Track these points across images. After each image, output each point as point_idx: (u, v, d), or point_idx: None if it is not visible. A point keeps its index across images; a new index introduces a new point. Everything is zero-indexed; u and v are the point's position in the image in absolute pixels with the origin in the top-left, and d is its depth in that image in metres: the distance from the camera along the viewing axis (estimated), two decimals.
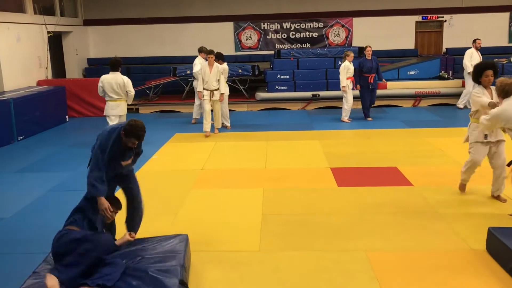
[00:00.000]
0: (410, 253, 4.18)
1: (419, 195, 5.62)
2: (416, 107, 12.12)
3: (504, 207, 5.02)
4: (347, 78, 10.04)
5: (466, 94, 11.30)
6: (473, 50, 11.31)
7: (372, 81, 10.12)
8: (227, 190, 6.06)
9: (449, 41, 15.34)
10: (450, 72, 13.33)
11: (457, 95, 12.08)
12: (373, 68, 10.07)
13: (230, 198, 5.76)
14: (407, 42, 15.42)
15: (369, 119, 10.35)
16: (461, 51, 14.56)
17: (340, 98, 11.79)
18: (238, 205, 5.50)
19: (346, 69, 10.01)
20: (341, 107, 10.67)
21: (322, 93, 12.20)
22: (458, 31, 15.09)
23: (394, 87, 11.75)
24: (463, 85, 12.09)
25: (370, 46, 10.15)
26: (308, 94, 12.22)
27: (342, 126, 9.95)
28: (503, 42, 15.13)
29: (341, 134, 9.17)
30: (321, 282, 3.77)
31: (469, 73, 11.20)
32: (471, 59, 11.19)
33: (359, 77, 10.16)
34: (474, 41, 11.47)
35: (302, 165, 7.06)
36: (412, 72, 12.63)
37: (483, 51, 14.33)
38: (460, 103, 11.58)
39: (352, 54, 10.22)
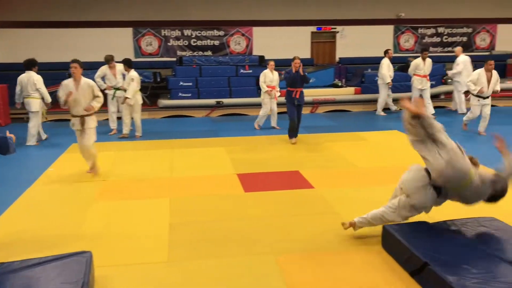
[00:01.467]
0: (315, 253, 4.36)
1: (320, 197, 5.90)
2: (314, 113, 12.73)
3: None
4: (268, 87, 10.04)
5: (382, 102, 12.24)
6: (388, 60, 12.07)
7: (298, 96, 8.82)
8: (131, 201, 5.87)
9: (341, 51, 16.32)
10: (343, 80, 14.20)
11: (350, 102, 12.92)
12: (298, 82, 8.81)
13: (135, 209, 5.58)
14: (304, 51, 16.11)
15: (293, 141, 8.90)
16: (352, 61, 15.67)
17: (243, 106, 12.06)
18: (144, 216, 5.35)
19: (264, 76, 10.07)
20: (245, 114, 10.85)
21: (226, 101, 12.34)
22: (349, 42, 16.13)
23: None
24: (356, 93, 12.97)
25: (298, 58, 8.86)
26: (212, 101, 12.29)
27: (246, 132, 10.11)
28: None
29: (245, 140, 9.32)
30: None
31: (387, 83, 11.99)
32: (388, 69, 12.02)
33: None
34: (387, 51, 12.26)
35: (209, 172, 7.07)
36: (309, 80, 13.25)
37: (370, 61, 15.56)
38: (379, 111, 12.34)
39: (272, 63, 10.12)
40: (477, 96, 9.39)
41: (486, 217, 4.54)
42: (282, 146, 8.73)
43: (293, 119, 8.84)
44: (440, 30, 16.74)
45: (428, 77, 11.80)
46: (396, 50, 16.52)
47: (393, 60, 12.62)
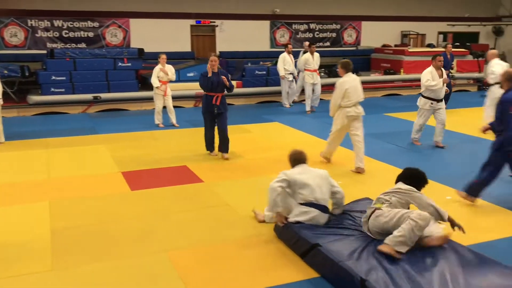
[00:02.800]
0: (207, 246, 4.40)
1: (210, 190, 5.95)
2: (197, 107, 12.70)
3: None
4: (159, 81, 9.57)
5: (287, 94, 12.42)
6: (285, 54, 12.15)
7: (218, 103, 7.23)
8: (4, 208, 5.35)
9: (222, 45, 16.48)
10: None
11: (233, 96, 13.11)
12: (218, 85, 7.19)
13: (9, 216, 5.11)
14: (184, 45, 15.99)
15: (225, 156, 7.41)
16: (233, 54, 15.92)
17: (123, 100, 11.64)
18: (21, 223, 4.93)
19: (156, 72, 9.61)
20: (125, 110, 10.46)
21: (104, 95, 11.76)
22: (229, 36, 16.36)
23: (176, 88, 12.01)
24: (237, 86, 13.18)
25: (215, 55, 7.31)
26: (89, 96, 11.63)
27: (127, 129, 9.71)
28: (266, 47, 17.05)
29: (127, 137, 8.97)
30: None
31: (281, 76, 12.12)
32: (284, 62, 12.10)
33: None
34: (286, 45, 12.38)
35: (90, 172, 6.71)
36: (191, 74, 13.15)
37: (249, 55, 15.98)
38: (286, 103, 12.49)
39: (164, 56, 9.63)
40: (429, 98, 7.86)
41: (361, 198, 5.02)
42: (167, 141, 8.60)
43: (208, 130, 7.50)
44: (312, 26, 17.75)
45: (317, 71, 12.00)
46: (273, 45, 17.15)
47: (271, 55, 12.99)
